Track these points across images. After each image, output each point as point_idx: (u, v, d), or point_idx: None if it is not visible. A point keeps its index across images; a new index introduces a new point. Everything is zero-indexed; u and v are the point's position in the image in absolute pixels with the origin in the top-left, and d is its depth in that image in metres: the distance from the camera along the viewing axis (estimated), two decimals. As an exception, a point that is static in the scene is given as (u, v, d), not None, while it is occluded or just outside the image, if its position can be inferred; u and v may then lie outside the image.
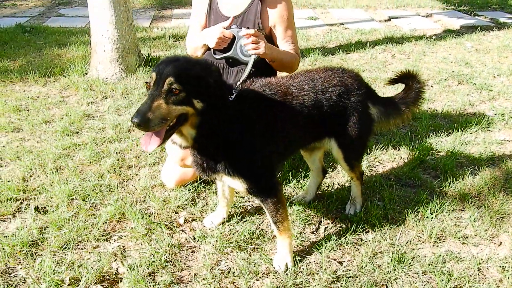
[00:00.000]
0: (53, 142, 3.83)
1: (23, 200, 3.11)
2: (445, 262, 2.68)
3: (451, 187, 3.38)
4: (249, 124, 2.36)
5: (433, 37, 7.57)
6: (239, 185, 2.42)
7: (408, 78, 3.08)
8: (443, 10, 10.01)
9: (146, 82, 2.13)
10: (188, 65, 2.14)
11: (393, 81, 3.15)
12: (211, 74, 2.17)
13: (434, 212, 3.07)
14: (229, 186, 2.82)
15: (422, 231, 2.93)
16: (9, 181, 3.24)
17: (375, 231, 2.91)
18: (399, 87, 3.34)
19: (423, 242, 2.86)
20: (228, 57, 3.09)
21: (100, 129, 4.13)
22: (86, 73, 5.37)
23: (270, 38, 3.24)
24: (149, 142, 2.11)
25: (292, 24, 3.24)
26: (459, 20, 8.91)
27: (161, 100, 2.03)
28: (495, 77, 5.80)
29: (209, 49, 3.18)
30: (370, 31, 7.88)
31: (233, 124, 2.29)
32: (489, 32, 8.06)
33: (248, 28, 3.06)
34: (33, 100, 4.65)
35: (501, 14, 9.75)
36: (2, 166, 3.52)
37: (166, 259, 2.62)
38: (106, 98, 4.80)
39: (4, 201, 3.06)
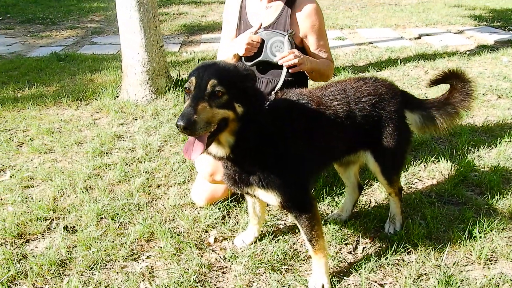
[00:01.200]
0: (84, 163, 3.83)
1: (53, 220, 3.08)
2: (498, 286, 2.44)
3: (499, 204, 3.14)
4: (283, 134, 2.26)
5: (467, 53, 7.34)
6: (272, 198, 2.30)
7: (452, 78, 2.86)
8: (475, 26, 9.75)
9: (185, 88, 2.05)
10: (228, 68, 2.11)
11: (434, 82, 2.93)
12: (249, 78, 2.14)
13: (482, 231, 2.84)
14: (261, 202, 2.71)
15: (470, 251, 2.70)
16: (39, 201, 3.22)
17: (418, 251, 2.71)
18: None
19: (472, 263, 2.64)
20: (259, 61, 3.03)
21: (130, 149, 4.11)
22: (117, 96, 5.43)
23: (302, 49, 3.16)
24: (192, 149, 2.02)
25: (323, 33, 3.16)
26: (493, 36, 8.64)
27: (205, 102, 1.95)
28: (537, 90, 5.51)
29: (240, 59, 3.14)
30: (400, 49, 7.72)
31: (268, 133, 2.20)
32: (526, 46, 7.76)
33: (274, 31, 3.03)
34: (65, 123, 4.71)
35: (538, 28, 9.42)
36: (34, 187, 3.52)
37: (195, 280, 2.50)
38: (136, 119, 4.82)
39: (34, 220, 3.03)
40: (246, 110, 2.04)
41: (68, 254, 2.72)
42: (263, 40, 3.01)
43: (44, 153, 4.07)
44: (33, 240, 2.90)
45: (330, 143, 2.51)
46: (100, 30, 9.91)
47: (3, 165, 3.85)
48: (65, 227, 2.97)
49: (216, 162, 2.84)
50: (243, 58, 3.11)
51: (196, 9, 12.23)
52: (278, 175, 2.25)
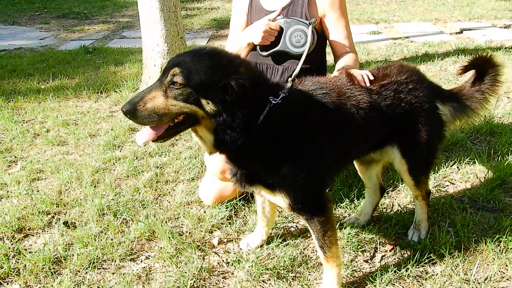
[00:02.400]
0: (94, 156, 3.72)
1: (55, 214, 2.96)
2: (537, 307, 2.10)
3: (543, 212, 2.77)
4: (294, 130, 1.99)
5: (513, 48, 6.78)
6: (280, 200, 2.05)
7: (480, 63, 2.59)
8: (524, 19, 9.08)
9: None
10: (205, 57, 1.81)
11: (465, 70, 2.62)
12: (236, 76, 1.79)
13: (521, 242, 2.49)
14: (270, 202, 2.46)
15: (506, 265, 2.36)
16: (44, 195, 3.12)
17: (444, 263, 2.39)
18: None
19: (508, 279, 2.30)
20: (276, 51, 2.77)
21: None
22: (137, 89, 5.32)
23: (322, 33, 2.89)
24: (142, 134, 1.86)
25: (345, 13, 2.85)
26: (543, 30, 7.99)
27: (159, 91, 1.77)
28: None
29: (254, 48, 2.88)
30: (439, 44, 7.24)
31: (275, 130, 1.94)
32: None
33: (294, 19, 2.75)
34: (83, 115, 4.64)
35: None
36: (41, 179, 3.43)
37: (193, 285, 2.29)
38: (153, 112, 4.68)
39: (36, 214, 2.92)
40: (221, 110, 1.77)
41: (65, 251, 2.59)
42: (281, 28, 2.74)
43: (57, 145, 3.99)
44: (32, 235, 2.79)
45: (350, 139, 2.22)
46: (131, 24, 9.93)
47: (15, 157, 3.79)
48: (65, 223, 2.85)
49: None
50: (258, 47, 2.85)
51: (228, 4, 12.04)
52: (286, 174, 1.98)
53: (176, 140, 4.01)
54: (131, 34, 8.93)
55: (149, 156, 3.71)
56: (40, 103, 5.02)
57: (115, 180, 3.34)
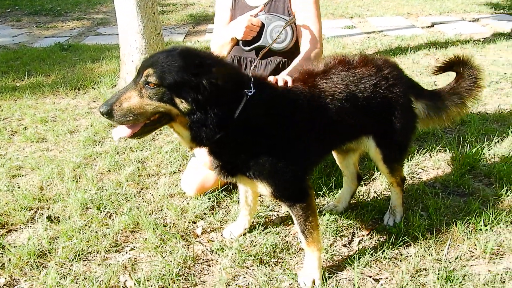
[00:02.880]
0: (74, 152, 3.72)
1: (38, 209, 2.97)
2: (504, 282, 2.25)
3: (508, 195, 2.93)
4: (271, 122, 2.06)
5: (481, 41, 7.04)
6: (263, 189, 2.13)
7: (458, 65, 2.66)
8: (492, 14, 9.39)
9: None
10: (178, 57, 1.86)
11: (440, 69, 2.73)
12: (206, 73, 1.84)
13: (488, 223, 2.64)
14: (254, 191, 2.56)
15: (475, 245, 2.51)
16: (25, 190, 3.12)
17: (418, 245, 2.52)
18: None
19: (477, 258, 2.44)
20: (258, 46, 2.84)
21: (123, 137, 3.98)
22: (115, 85, 5.31)
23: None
24: (119, 130, 1.93)
25: (318, 5, 2.92)
26: (510, 23, 8.29)
27: (134, 92, 1.84)
28: (554, 78, 5.22)
29: (237, 43, 2.96)
30: (411, 37, 7.45)
31: (253, 123, 2.01)
32: (545, 33, 7.42)
33: (275, 15, 2.81)
34: (61, 112, 4.61)
35: (557, 15, 9.02)
36: (22, 176, 3.42)
37: (178, 273, 2.36)
38: (133, 108, 4.69)
39: (18, 210, 2.93)
40: (195, 108, 1.84)
41: (50, 245, 2.61)
42: (263, 24, 2.82)
43: (36, 142, 3.97)
44: (15, 231, 2.79)
45: (330, 128, 2.30)
46: (106, 21, 9.82)
47: (-7, 154, 3.76)
48: (49, 217, 2.86)
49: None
50: (241, 42, 2.92)
51: (204, 0, 12.05)
52: (266, 164, 2.06)
53: (157, 134, 4.05)
54: (106, 31, 8.85)
55: (130, 151, 3.74)
56: (16, 100, 4.96)
57: (97, 175, 3.36)
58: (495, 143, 3.68)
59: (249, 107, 1.96)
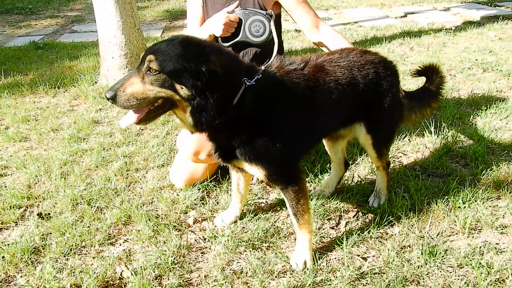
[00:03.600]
0: (60, 149, 3.71)
1: (27, 207, 2.97)
2: (483, 254, 2.40)
3: (484, 174, 3.09)
4: (268, 109, 2.15)
5: (453, 29, 7.26)
6: (257, 172, 2.23)
7: (429, 71, 2.92)
8: (462, 3, 9.67)
9: None
10: (178, 46, 1.94)
11: (417, 73, 2.98)
12: (205, 61, 1.91)
13: (466, 201, 2.79)
14: (245, 178, 2.67)
15: (455, 221, 2.65)
16: (13, 189, 3.11)
17: (401, 224, 2.65)
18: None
19: (456, 233, 2.59)
20: (238, 42, 2.90)
21: (108, 134, 4.00)
22: (96, 82, 5.29)
23: (278, 16, 3.05)
24: (125, 117, 2.03)
25: None
26: (479, 12, 8.56)
27: (137, 78, 1.93)
28: (522, 62, 5.46)
29: (216, 39, 3.01)
30: (386, 27, 7.63)
31: (251, 110, 2.09)
32: (512, 20, 7.69)
33: (251, 10, 2.87)
34: (42, 111, 4.58)
35: (523, 3, 9.35)
36: (7, 175, 3.40)
37: (173, 261, 2.42)
38: (115, 104, 4.69)
39: (7, 208, 2.93)
40: (195, 93, 1.92)
41: (42, 241, 2.63)
42: (240, 20, 2.88)
43: (19, 141, 3.94)
44: (6, 229, 2.79)
45: (325, 115, 2.41)
46: (81, 18, 9.68)
47: (-24, 155, 3.72)
48: (39, 214, 2.87)
49: (200, 141, 2.77)
50: (219, 38, 2.98)
51: (179, -5, 11.99)
52: (262, 149, 2.15)
53: (142, 129, 4.07)
54: (82, 28, 8.73)
55: (116, 146, 3.75)
56: (-6, 100, 4.89)
57: (85, 171, 3.37)
58: (470, 126, 3.86)
59: (247, 95, 2.05)
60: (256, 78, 2.10)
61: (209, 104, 1.95)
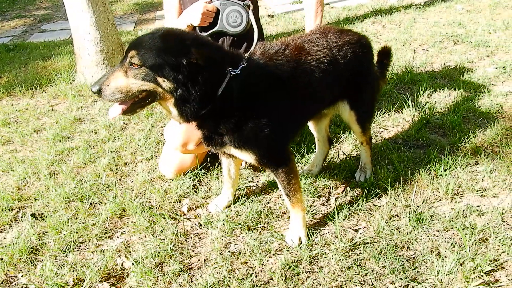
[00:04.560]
0: (45, 150, 3.70)
1: (19, 209, 2.98)
2: (466, 217, 2.54)
3: (462, 142, 3.24)
4: (254, 96, 2.20)
5: (422, 4, 7.41)
6: (248, 157, 2.30)
7: (383, 54, 3.08)
8: (428, -22, 9.83)
9: None
10: (159, 39, 1.99)
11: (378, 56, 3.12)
12: (185, 54, 1.96)
13: (447, 168, 2.93)
14: (236, 164, 2.73)
15: (438, 188, 2.78)
16: (2, 192, 3.10)
17: (388, 195, 2.77)
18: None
19: (440, 199, 2.72)
20: (215, 32, 2.93)
21: (92, 131, 3.99)
22: (74, 80, 5.24)
23: (256, 2, 3.10)
24: (112, 109, 2.11)
25: None
26: (446, -14, 8.73)
27: (120, 72, 2.00)
28: (490, 33, 5.64)
29: (194, 29, 3.03)
30: (357, 7, 7.73)
31: (237, 98, 2.14)
32: (478, -7, 7.89)
33: (228, 0, 2.90)
34: (22, 113, 4.52)
35: (488, -25, 9.55)
36: (-6, 179, 3.38)
37: (172, 248, 2.48)
38: (96, 101, 4.67)
39: (-1, 212, 2.93)
40: (177, 86, 1.98)
41: (39, 240, 2.65)
42: (218, 10, 2.91)
43: (2, 144, 3.91)
44: (0, 232, 2.80)
45: (311, 97, 2.47)
46: (49, 17, 9.48)
47: (-41, 162, 3.67)
48: (33, 215, 2.88)
49: (187, 132, 2.81)
50: (197, 28, 3.00)
51: (148, -14, 11.82)
52: (251, 135, 2.22)
53: (126, 124, 4.08)
54: (51, 27, 8.57)
55: (102, 143, 3.76)
56: (-30, 106, 4.80)
57: (73, 169, 3.38)
58: (445, 97, 4.00)
59: (233, 84, 2.10)
60: (241, 67, 2.15)
61: (192, 96, 2.02)
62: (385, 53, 3.06)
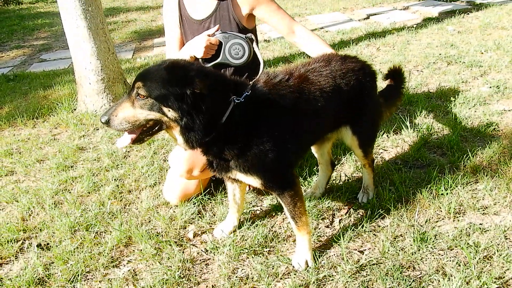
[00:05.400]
0: (49, 179, 3.72)
1: (25, 240, 2.98)
2: (469, 235, 2.57)
3: (461, 161, 3.29)
4: (259, 122, 2.26)
5: (414, 27, 7.59)
6: (253, 181, 2.35)
7: (394, 73, 3.13)
8: (419, 1, 10.10)
9: None
10: (164, 71, 2.07)
11: (386, 76, 3.19)
12: (190, 84, 2.03)
13: (448, 188, 2.97)
14: (241, 189, 2.78)
15: (440, 207, 2.82)
16: (7, 224, 3.11)
17: (391, 215, 2.81)
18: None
19: (443, 218, 2.76)
20: (218, 63, 3.01)
21: (95, 159, 4.03)
22: (75, 109, 5.30)
23: (255, 30, 3.18)
24: (121, 139, 2.18)
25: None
26: (436, 8, 8.97)
27: (128, 103, 2.08)
28: (482, 53, 5.78)
29: (196, 60, 3.11)
30: (351, 30, 7.90)
31: (242, 125, 2.21)
32: (468, 14, 8.11)
33: (231, 34, 2.98)
34: (24, 143, 4.56)
35: (476, -4, 9.83)
36: (-1, 210, 3.40)
37: (180, 275, 2.49)
38: (97, 129, 4.72)
39: (5, 243, 2.93)
40: (182, 115, 2.06)
41: (46, 271, 2.65)
42: (220, 42, 2.99)
43: (5, 175, 3.93)
44: (6, 264, 2.80)
45: (315, 123, 2.54)
46: (48, 47, 9.61)
47: (-37, 194, 3.68)
48: (39, 245, 2.89)
49: (192, 159, 2.86)
50: (200, 59, 3.08)
51: (145, 15, 12.05)
52: (256, 160, 2.27)
53: (128, 151, 4.12)
54: (51, 57, 8.68)
55: (106, 171, 3.79)
56: (-28, 137, 4.83)
57: (78, 198, 3.40)
58: (442, 117, 4.08)
59: (236, 111, 2.17)
60: (244, 94, 2.22)
61: (196, 124, 2.09)
62: (396, 71, 3.12)
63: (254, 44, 2.98)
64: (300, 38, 3.15)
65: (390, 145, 3.73)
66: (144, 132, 2.16)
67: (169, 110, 2.06)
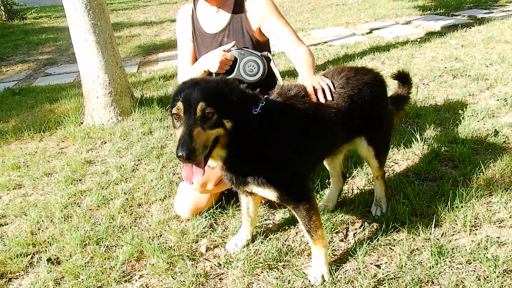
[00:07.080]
0: (57, 193, 3.69)
1: (34, 254, 2.94)
2: (487, 248, 2.53)
3: (473, 174, 3.27)
4: (276, 133, 2.26)
5: (418, 41, 7.64)
6: (269, 194, 2.32)
7: (402, 76, 3.16)
8: (421, 15, 10.18)
9: (174, 114, 2.05)
10: (212, 85, 2.08)
11: (395, 77, 3.20)
12: (234, 91, 2.12)
13: (462, 200, 2.95)
14: (255, 202, 2.76)
15: (455, 221, 2.79)
16: (16, 238, 3.08)
17: (406, 229, 2.77)
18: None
19: (459, 232, 2.72)
20: (232, 79, 3.01)
21: (103, 173, 4.00)
22: (82, 122, 5.29)
23: (268, 43, 3.19)
24: (192, 173, 2.05)
25: (280, 14, 3.12)
26: (438, 22, 9.04)
27: (198, 127, 1.97)
28: (487, 66, 5.80)
29: (210, 74, 3.11)
30: (355, 44, 7.95)
31: (259, 136, 2.20)
32: (470, 28, 8.16)
33: (247, 50, 2.98)
34: (31, 156, 4.54)
35: (477, 11, 9.92)
36: (7, 224, 3.36)
37: (194, 290, 2.45)
38: (105, 143, 4.70)
39: (14, 257, 2.89)
40: (233, 124, 2.06)
41: (57, 286, 2.61)
42: (235, 58, 3.00)
43: (13, 189, 3.90)
44: (15, 278, 2.76)
45: (330, 135, 2.54)
46: (53, 61, 9.65)
47: (-29, 207, 3.65)
48: (49, 260, 2.85)
49: (206, 173, 2.83)
50: (214, 74, 3.08)
51: (149, 30, 12.14)
52: (272, 172, 2.27)
53: (136, 165, 4.10)
54: (56, 71, 8.71)
55: (115, 184, 3.76)
56: (-21, 151, 4.81)
57: (87, 212, 3.37)
58: (451, 130, 4.07)
59: (255, 124, 2.16)
60: (260, 105, 2.21)
61: (244, 133, 2.13)
62: (404, 75, 3.15)
63: (272, 63, 2.99)
64: (294, 58, 3.11)
65: (401, 158, 3.72)
66: (206, 156, 2.05)
67: (227, 121, 2.05)
